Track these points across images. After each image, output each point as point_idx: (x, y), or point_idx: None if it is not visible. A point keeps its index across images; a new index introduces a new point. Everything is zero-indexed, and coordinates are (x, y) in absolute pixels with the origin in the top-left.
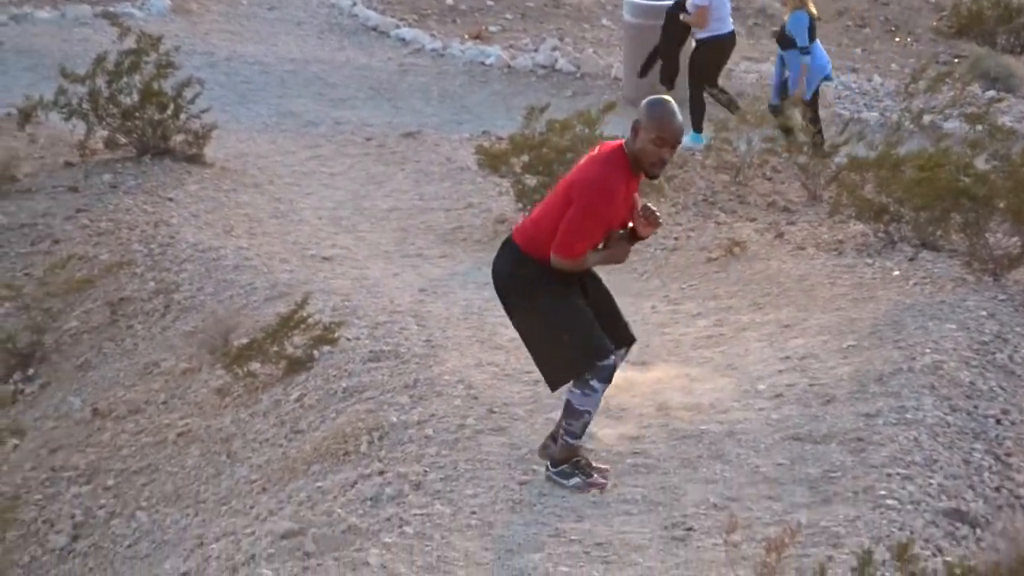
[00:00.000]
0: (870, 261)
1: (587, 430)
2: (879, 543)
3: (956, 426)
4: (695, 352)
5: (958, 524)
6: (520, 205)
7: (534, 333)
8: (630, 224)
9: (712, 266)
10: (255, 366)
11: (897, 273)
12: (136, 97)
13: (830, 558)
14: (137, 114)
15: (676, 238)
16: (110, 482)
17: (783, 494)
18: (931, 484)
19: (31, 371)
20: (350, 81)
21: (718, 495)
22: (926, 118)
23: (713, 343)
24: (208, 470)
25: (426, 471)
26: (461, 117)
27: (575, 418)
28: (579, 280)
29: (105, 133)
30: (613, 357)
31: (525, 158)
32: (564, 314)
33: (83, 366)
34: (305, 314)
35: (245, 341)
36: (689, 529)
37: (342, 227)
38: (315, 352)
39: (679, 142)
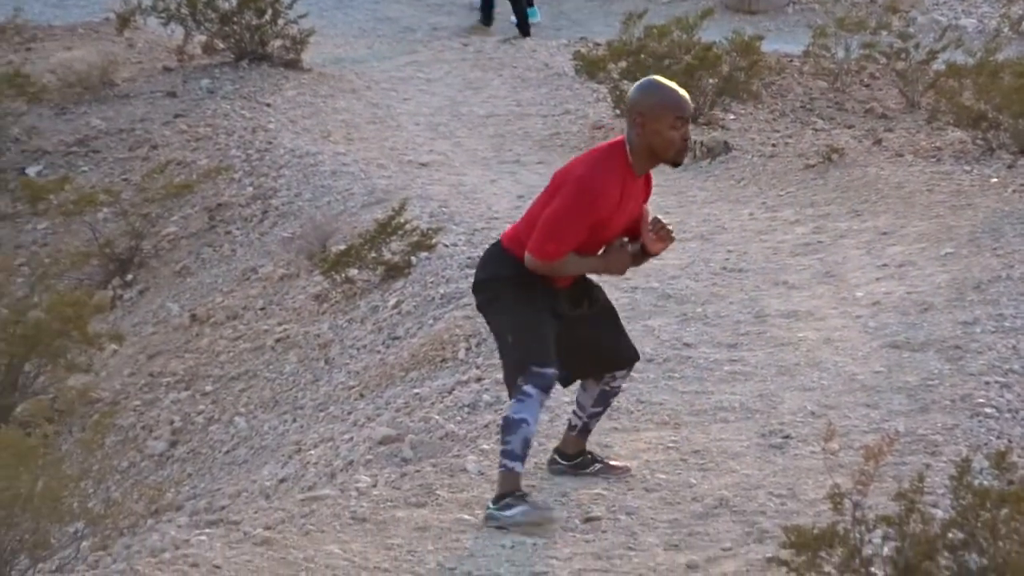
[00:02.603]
0: (968, 168)
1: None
2: (977, 451)
3: None
4: (793, 259)
5: None
6: (617, 111)
7: (494, 332)
8: (641, 239)
9: (810, 173)
10: (353, 272)
11: (995, 180)
12: (234, 2)
13: (928, 466)
14: (235, 19)
15: (774, 145)
16: (208, 388)
17: (880, 402)
18: None
19: (130, 277)
20: None
21: (815, 403)
22: None
23: (811, 250)
24: (306, 376)
25: None
26: (559, 23)
27: (512, 431)
28: (572, 295)
29: (203, 38)
30: (552, 369)
31: (623, 64)
32: (515, 315)
33: (181, 272)
34: (402, 220)
35: (343, 247)
36: (786, 437)
37: (439, 133)
38: (412, 258)
39: (692, 112)
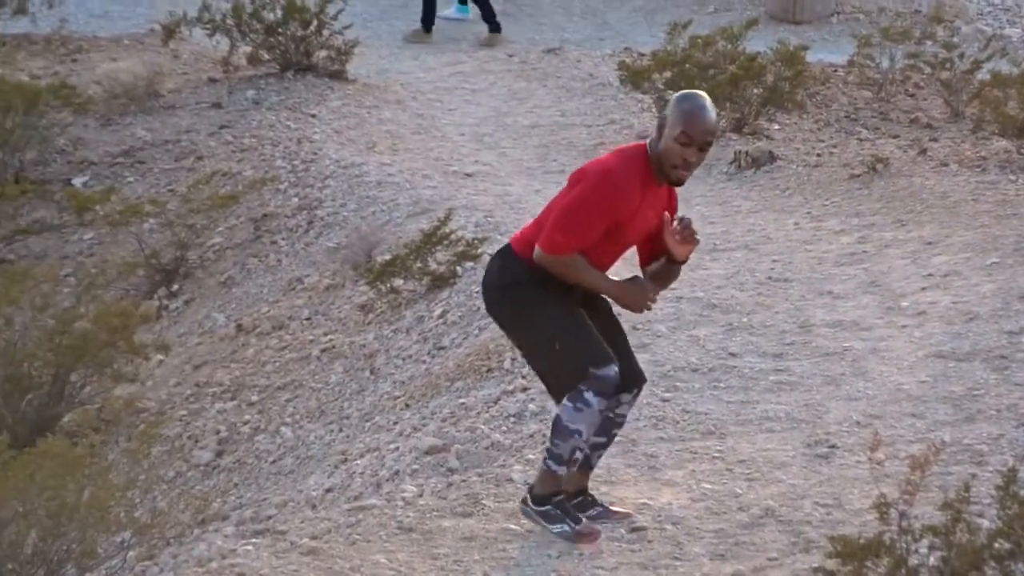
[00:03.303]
0: (1013, 178)
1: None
2: (1023, 461)
3: None
4: (838, 269)
5: None
6: None
7: (526, 345)
8: (666, 245)
9: (855, 183)
10: (398, 282)
11: None
12: (279, 13)
13: (974, 476)
14: (280, 30)
15: (819, 155)
16: (254, 398)
17: (926, 412)
18: None
19: (175, 287)
20: None
21: (861, 413)
22: None
23: (856, 260)
24: (352, 386)
25: None
26: (603, 33)
27: (563, 438)
28: (581, 299)
29: (248, 49)
30: (614, 368)
31: (667, 74)
32: (554, 319)
33: (227, 282)
34: (448, 230)
35: (388, 257)
36: (832, 447)
37: (484, 143)
38: (458, 268)
39: (709, 143)
